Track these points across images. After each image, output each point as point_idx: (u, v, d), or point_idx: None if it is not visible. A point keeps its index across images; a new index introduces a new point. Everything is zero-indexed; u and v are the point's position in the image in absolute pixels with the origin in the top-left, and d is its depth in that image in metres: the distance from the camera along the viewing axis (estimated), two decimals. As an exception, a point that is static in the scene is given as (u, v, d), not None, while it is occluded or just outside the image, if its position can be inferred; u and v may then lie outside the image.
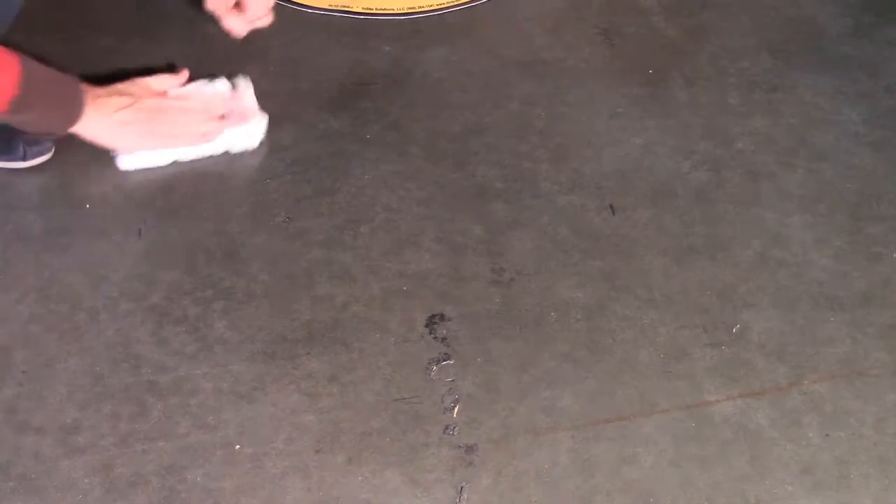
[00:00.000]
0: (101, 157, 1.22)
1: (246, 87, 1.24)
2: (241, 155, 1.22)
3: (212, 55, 1.30)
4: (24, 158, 1.18)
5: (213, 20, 1.30)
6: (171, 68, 1.24)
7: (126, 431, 0.96)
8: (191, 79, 1.22)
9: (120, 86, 1.18)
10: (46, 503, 0.91)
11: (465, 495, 0.92)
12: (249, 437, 0.96)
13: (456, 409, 0.99)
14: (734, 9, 1.50)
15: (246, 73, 1.24)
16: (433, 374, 1.02)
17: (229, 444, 0.95)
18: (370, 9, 1.36)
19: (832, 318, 1.09)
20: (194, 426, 0.96)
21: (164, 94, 1.21)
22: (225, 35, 1.30)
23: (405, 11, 1.38)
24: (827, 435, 0.98)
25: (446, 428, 0.97)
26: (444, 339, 1.05)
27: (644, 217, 1.18)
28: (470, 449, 0.96)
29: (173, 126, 1.19)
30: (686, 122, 1.31)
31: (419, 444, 0.96)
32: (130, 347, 1.03)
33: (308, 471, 0.94)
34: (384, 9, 1.38)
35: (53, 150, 1.20)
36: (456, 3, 1.42)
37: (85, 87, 1.13)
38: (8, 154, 1.18)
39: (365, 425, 0.97)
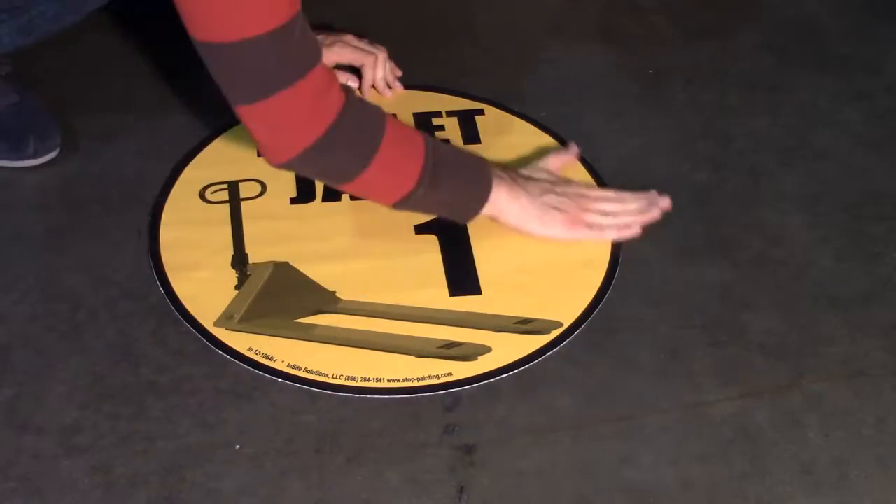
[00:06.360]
0: (102, 156, 1.22)
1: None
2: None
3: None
4: (34, 156, 1.19)
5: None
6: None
7: (126, 431, 0.96)
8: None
9: (524, 171, 1.13)
10: (46, 503, 0.91)
11: (465, 495, 0.92)
12: (249, 437, 0.96)
13: (456, 409, 0.99)
14: (734, 9, 1.50)
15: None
16: (433, 374, 1.02)
17: (229, 444, 0.95)
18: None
19: (832, 318, 1.09)
20: (194, 426, 0.96)
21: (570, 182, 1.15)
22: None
23: None
24: (827, 435, 0.98)
25: (446, 428, 0.97)
26: (444, 339, 1.05)
27: (644, 217, 1.18)
28: (470, 449, 0.96)
29: (599, 215, 1.12)
30: (686, 122, 1.31)
31: (419, 444, 0.96)
32: (130, 347, 1.03)
33: (308, 471, 0.94)
34: None
35: (60, 147, 1.20)
36: None
37: (492, 166, 1.09)
38: (18, 152, 1.18)
39: (365, 425, 0.97)
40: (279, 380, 1.00)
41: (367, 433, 0.97)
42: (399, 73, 1.32)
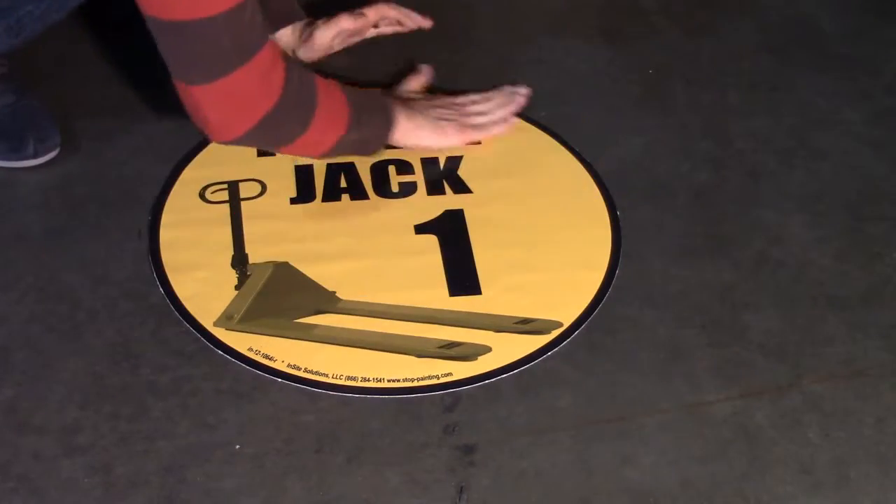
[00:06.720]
0: (102, 156, 1.22)
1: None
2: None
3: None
4: (34, 156, 1.19)
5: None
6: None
7: (126, 431, 0.96)
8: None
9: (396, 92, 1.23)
10: (46, 503, 0.91)
11: (465, 495, 0.92)
12: (249, 437, 0.96)
13: (456, 409, 0.99)
14: (734, 9, 1.50)
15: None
16: (433, 374, 1.02)
17: (229, 444, 0.95)
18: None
19: (832, 318, 1.09)
20: (194, 426, 0.96)
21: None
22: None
23: None
24: (827, 435, 0.98)
25: (446, 428, 0.97)
26: (444, 339, 1.05)
27: (644, 217, 1.18)
28: (470, 449, 0.96)
29: (479, 116, 1.23)
30: (686, 122, 1.31)
31: (419, 444, 0.96)
32: (130, 347, 1.03)
33: (308, 471, 0.94)
34: None
35: (60, 147, 1.21)
36: None
37: (386, 96, 1.18)
38: (19, 152, 1.18)
39: (365, 425, 0.97)
40: (279, 380, 1.00)
41: (367, 433, 0.97)
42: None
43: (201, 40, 0.93)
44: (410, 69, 1.29)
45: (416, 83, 1.27)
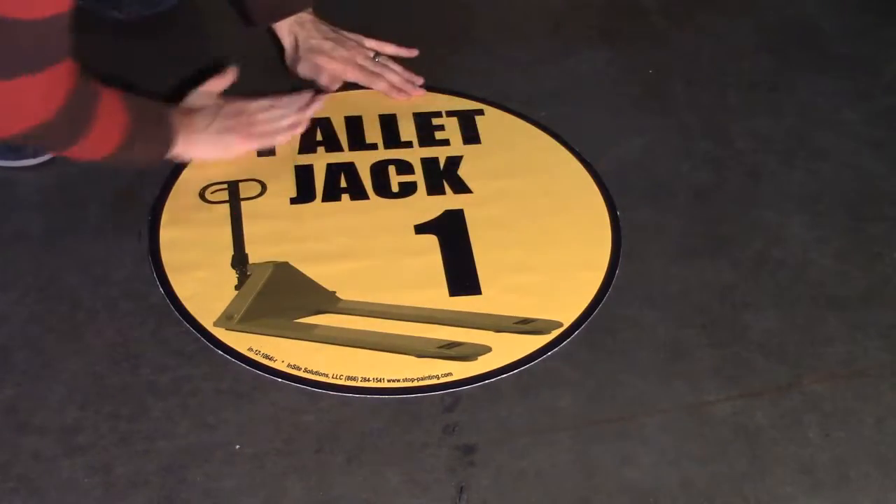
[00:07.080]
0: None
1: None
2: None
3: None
4: (34, 156, 1.19)
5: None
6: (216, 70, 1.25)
7: (126, 431, 0.96)
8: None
9: (189, 100, 1.20)
10: (46, 503, 0.91)
11: (465, 495, 0.92)
12: (249, 437, 0.96)
13: (456, 409, 0.99)
14: (734, 8, 1.50)
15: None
16: (433, 374, 1.02)
17: (229, 444, 0.95)
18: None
19: (832, 318, 1.09)
20: (194, 426, 0.96)
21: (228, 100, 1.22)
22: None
23: None
24: (827, 435, 0.98)
25: (446, 428, 0.97)
26: (444, 339, 1.05)
27: (644, 217, 1.18)
28: (470, 449, 0.96)
29: (265, 124, 1.21)
30: (686, 122, 1.31)
31: (419, 444, 0.96)
32: (130, 347, 1.03)
33: (308, 471, 0.94)
34: None
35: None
36: None
37: (171, 110, 1.15)
38: (19, 152, 1.18)
39: (365, 425, 0.97)
40: (279, 380, 1.00)
41: (367, 433, 0.97)
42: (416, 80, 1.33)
43: (5, 39, 0.91)
44: (562, 144, 1.26)
45: (217, 84, 1.23)
